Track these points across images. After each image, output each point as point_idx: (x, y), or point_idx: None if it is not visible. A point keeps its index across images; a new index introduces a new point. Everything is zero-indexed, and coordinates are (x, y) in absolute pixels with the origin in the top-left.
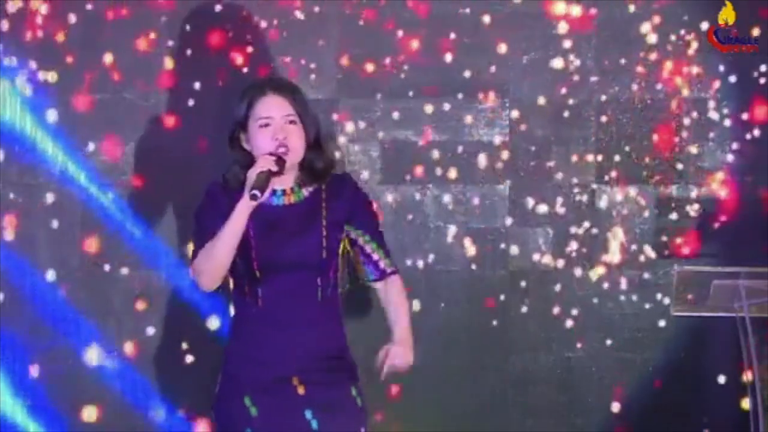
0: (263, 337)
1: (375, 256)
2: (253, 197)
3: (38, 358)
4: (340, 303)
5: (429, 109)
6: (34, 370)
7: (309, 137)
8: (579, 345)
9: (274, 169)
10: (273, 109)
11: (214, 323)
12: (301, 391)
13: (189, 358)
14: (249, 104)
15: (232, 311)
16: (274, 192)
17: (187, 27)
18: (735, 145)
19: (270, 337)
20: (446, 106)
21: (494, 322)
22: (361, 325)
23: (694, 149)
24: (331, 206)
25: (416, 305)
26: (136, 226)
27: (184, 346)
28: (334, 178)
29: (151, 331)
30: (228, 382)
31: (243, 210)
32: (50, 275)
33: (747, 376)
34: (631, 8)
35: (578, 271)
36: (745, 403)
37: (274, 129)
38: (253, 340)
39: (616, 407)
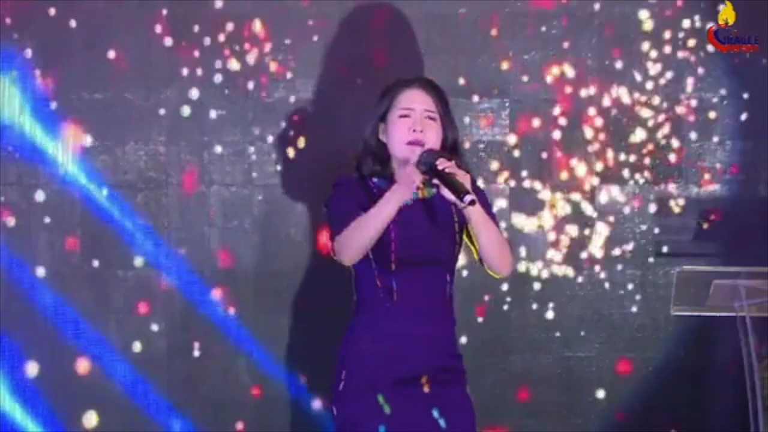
0: (398, 334)
1: None
2: (472, 202)
3: (37, 359)
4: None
5: None
6: (32, 371)
7: (447, 139)
8: (579, 345)
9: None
10: (416, 101)
11: (213, 323)
12: (426, 389)
13: (189, 358)
14: (393, 95)
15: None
16: None
17: (189, 26)
18: (735, 145)
19: (405, 333)
20: None
21: (494, 323)
22: None
23: (694, 149)
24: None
25: None
26: (136, 226)
27: (184, 345)
28: None
29: (150, 331)
30: (358, 379)
31: (401, 197)
32: (50, 275)
33: (747, 376)
34: (632, 8)
35: (578, 271)
36: (745, 403)
37: (413, 120)
38: (386, 337)
39: (615, 407)
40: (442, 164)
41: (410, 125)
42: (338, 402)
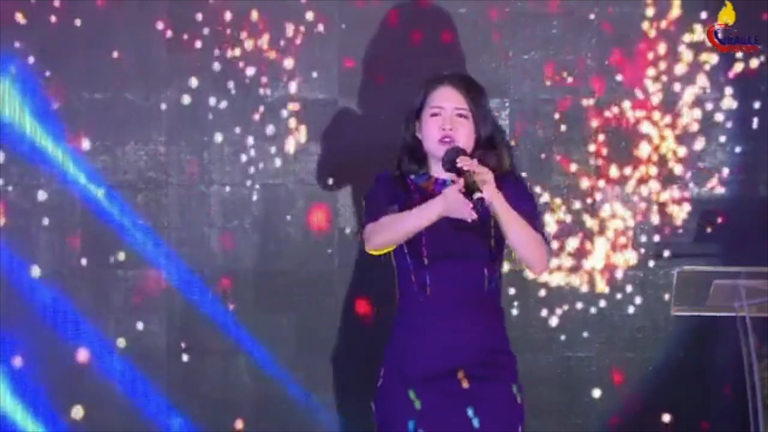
0: (431, 327)
1: None
2: (480, 200)
3: (37, 359)
4: (502, 297)
5: None
6: (32, 370)
7: (480, 134)
8: (579, 345)
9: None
10: (446, 99)
11: (213, 323)
12: (465, 385)
13: (187, 357)
14: (425, 93)
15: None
16: (444, 182)
17: (189, 26)
18: (735, 146)
19: (438, 327)
20: None
21: None
22: None
23: (694, 150)
24: None
25: None
26: (136, 226)
27: (183, 344)
28: (499, 174)
29: (150, 330)
30: (392, 375)
31: (446, 212)
32: (50, 275)
33: (747, 376)
34: (632, 9)
35: (579, 271)
36: (745, 403)
37: (442, 119)
38: (420, 330)
39: (615, 407)
40: (461, 162)
41: (440, 124)
42: (376, 400)
